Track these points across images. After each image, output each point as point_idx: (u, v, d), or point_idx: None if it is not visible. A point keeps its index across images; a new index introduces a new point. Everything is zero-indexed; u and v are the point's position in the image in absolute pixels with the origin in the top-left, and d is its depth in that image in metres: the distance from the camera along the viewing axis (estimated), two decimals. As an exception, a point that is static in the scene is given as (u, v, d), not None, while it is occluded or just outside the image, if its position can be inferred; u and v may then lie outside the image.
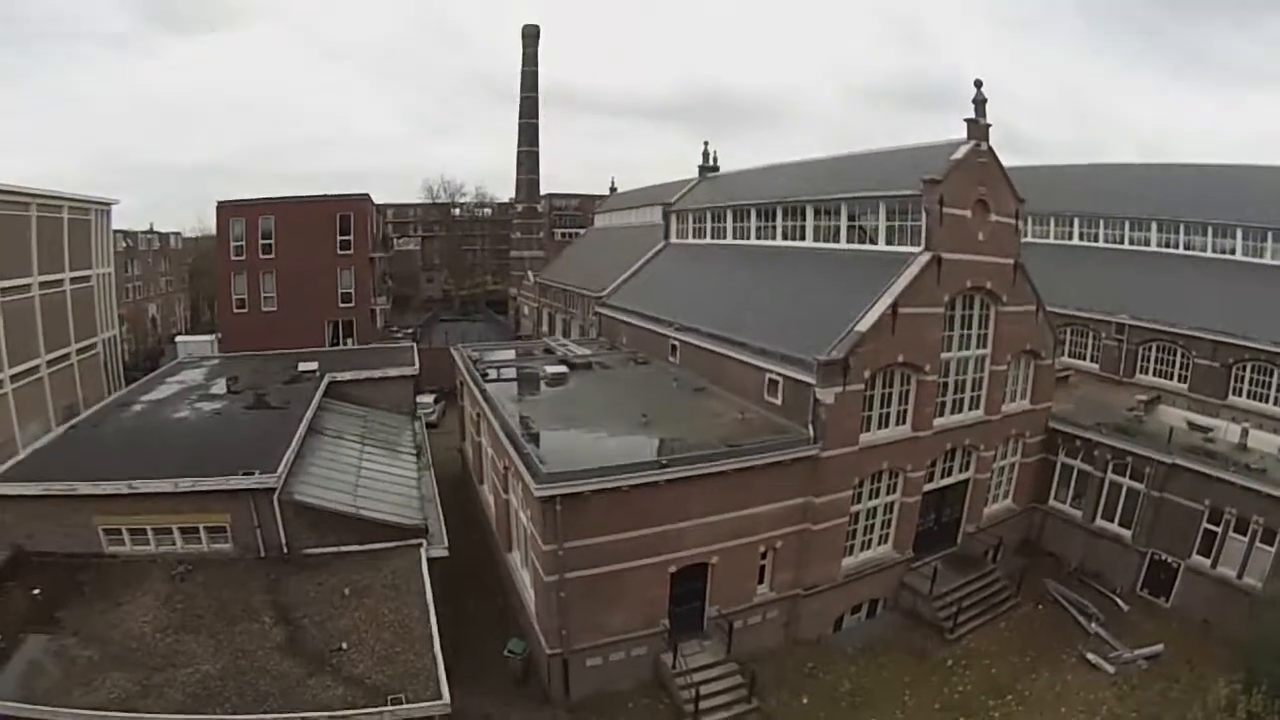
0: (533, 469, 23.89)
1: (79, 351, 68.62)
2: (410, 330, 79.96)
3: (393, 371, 43.73)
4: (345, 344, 59.55)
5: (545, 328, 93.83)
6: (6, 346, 54.99)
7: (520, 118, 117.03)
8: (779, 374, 28.58)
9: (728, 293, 38.49)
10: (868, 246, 31.45)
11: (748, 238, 40.99)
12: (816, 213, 34.89)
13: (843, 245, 33.10)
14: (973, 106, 28.88)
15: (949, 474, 32.07)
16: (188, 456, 28.10)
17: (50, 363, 62.66)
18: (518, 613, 29.71)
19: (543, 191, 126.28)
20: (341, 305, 58.91)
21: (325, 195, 58.34)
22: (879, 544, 30.72)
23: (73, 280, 67.08)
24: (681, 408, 31.97)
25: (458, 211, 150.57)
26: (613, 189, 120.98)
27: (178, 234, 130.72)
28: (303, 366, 42.24)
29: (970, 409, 31.67)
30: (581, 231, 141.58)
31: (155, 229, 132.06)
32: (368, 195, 58.10)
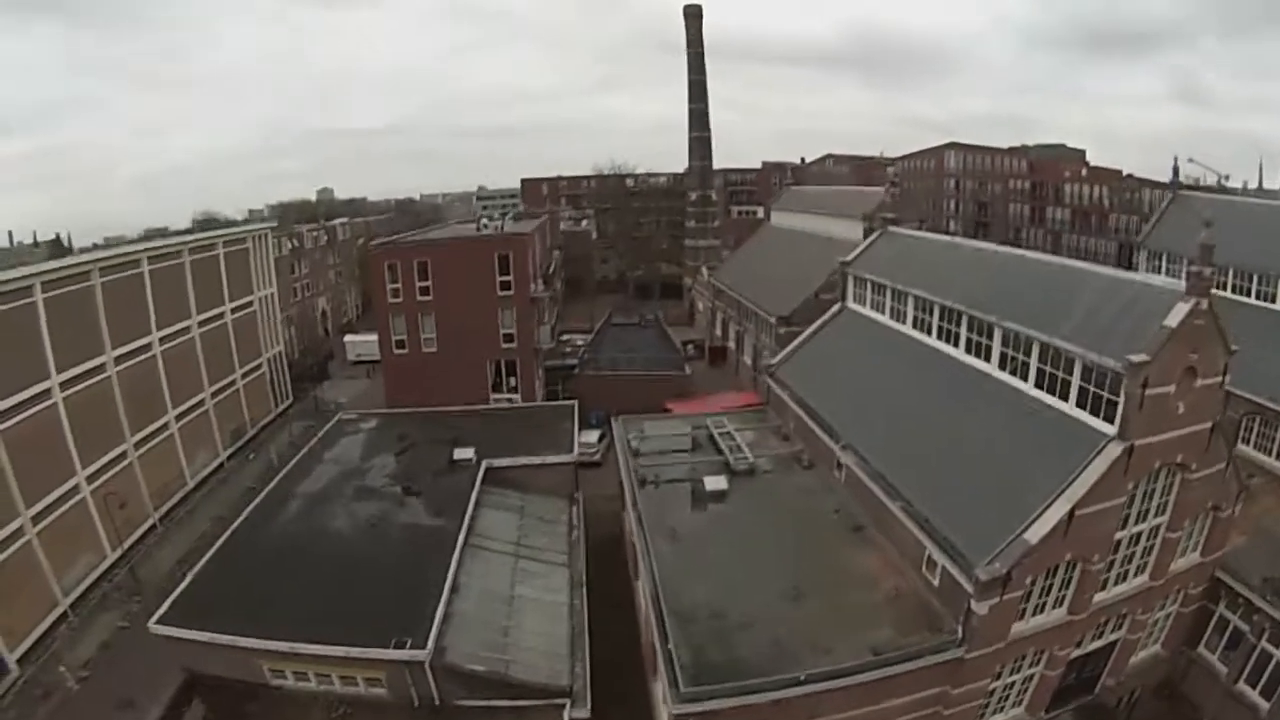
0: (671, 676, 26.46)
1: (244, 375, 77.90)
2: (580, 347, 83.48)
3: (551, 459, 47.33)
4: (509, 383, 63.52)
5: (719, 331, 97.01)
6: (169, 389, 63.40)
7: (690, 102, 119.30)
8: (937, 558, 29.14)
9: (899, 410, 38.97)
10: (1055, 401, 30.87)
11: (929, 333, 40.67)
12: (1005, 339, 34.28)
13: (1029, 388, 32.54)
14: (1199, 251, 27.08)
15: (1099, 638, 32.06)
16: (346, 604, 32.54)
17: (215, 393, 71.52)
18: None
19: (716, 164, 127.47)
20: (504, 345, 62.83)
21: (482, 235, 61.83)
22: (1012, 707, 31.49)
23: (234, 310, 76.28)
24: (835, 562, 33.46)
25: (631, 182, 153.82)
26: (794, 181, 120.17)
27: (345, 222, 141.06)
28: (458, 454, 46.02)
29: (1135, 577, 31.26)
30: (758, 211, 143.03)
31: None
32: (526, 234, 61.18)
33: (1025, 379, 32.92)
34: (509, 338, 62.78)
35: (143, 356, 60.69)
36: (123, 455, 57.50)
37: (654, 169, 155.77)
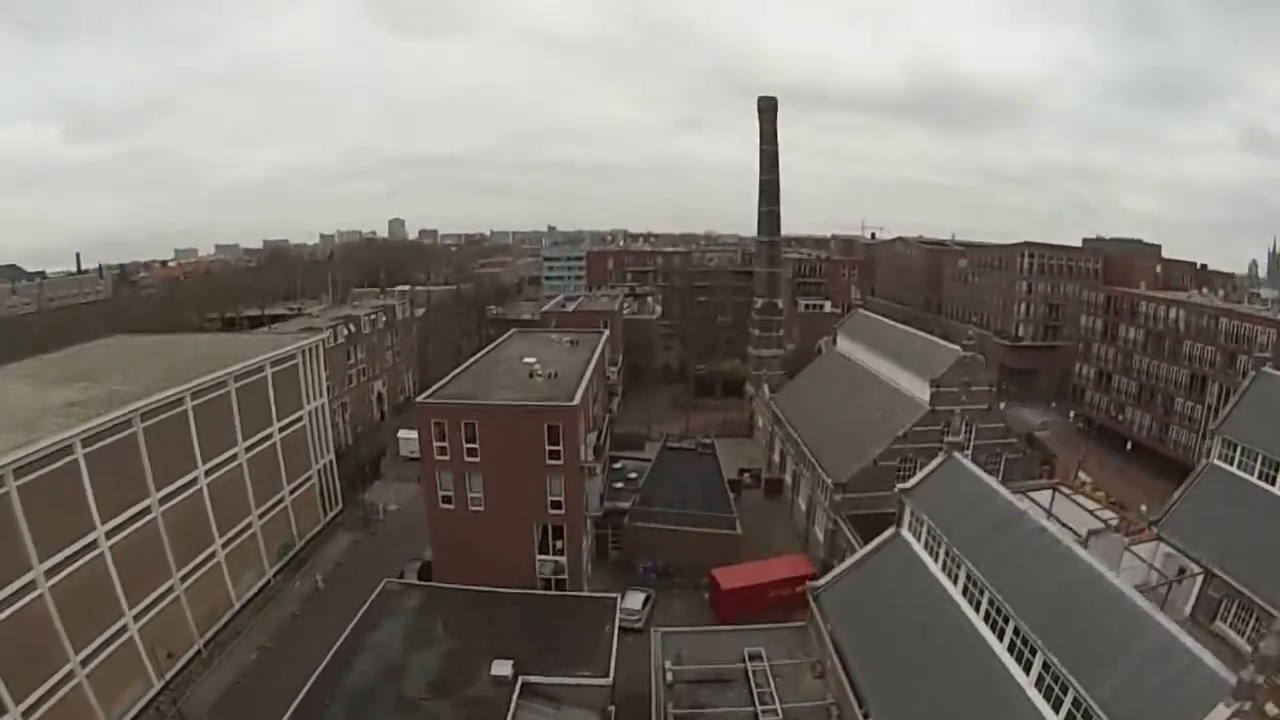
0: None
1: (292, 491, 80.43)
2: (633, 480, 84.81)
3: (586, 680, 48.36)
4: (555, 546, 65.45)
5: (776, 459, 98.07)
6: (216, 518, 66.45)
7: (761, 205, 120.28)
8: None
9: (932, 694, 39.78)
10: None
11: (976, 609, 40.98)
12: (1046, 664, 34.53)
13: (1055, 724, 33.15)
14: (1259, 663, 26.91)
15: None
16: None
17: (262, 514, 74.38)
18: None
19: (784, 226, 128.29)
20: (551, 511, 64.27)
21: (530, 404, 63.43)
22: None
23: (282, 429, 79.13)
24: None
25: (697, 258, 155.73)
26: (864, 296, 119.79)
27: (407, 291, 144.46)
28: (496, 669, 47.06)
29: None
30: (825, 306, 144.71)
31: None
32: (576, 406, 62.13)
33: (1057, 712, 33.24)
34: (557, 504, 64.02)
35: (188, 493, 63.95)
36: (169, 590, 60.64)
37: (724, 221, 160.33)
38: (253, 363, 74.40)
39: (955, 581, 43.89)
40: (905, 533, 51.26)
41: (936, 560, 46.46)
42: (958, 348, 76.23)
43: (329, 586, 75.15)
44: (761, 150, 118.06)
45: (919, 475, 52.19)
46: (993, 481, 47.71)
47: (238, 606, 70.06)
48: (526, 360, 77.53)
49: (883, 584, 49.84)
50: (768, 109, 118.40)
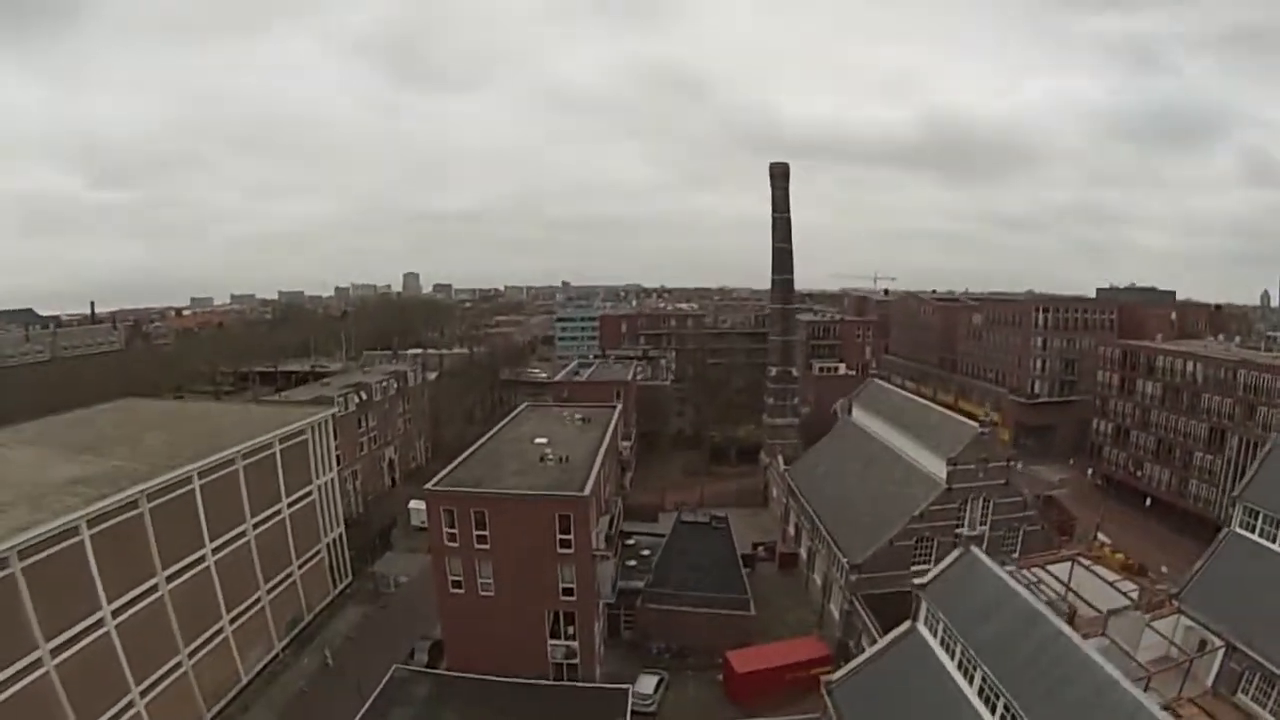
0: None
1: (301, 565, 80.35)
2: (646, 557, 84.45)
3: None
4: (567, 632, 65.15)
5: (791, 531, 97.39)
6: (224, 595, 66.55)
7: (774, 272, 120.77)
8: None
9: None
10: None
11: (993, 712, 40.31)
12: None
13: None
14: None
15: None
16: None
17: (270, 589, 74.03)
18: None
19: (798, 280, 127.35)
20: (563, 598, 64.28)
21: (540, 494, 63.56)
22: None
23: (291, 504, 79.01)
24: None
25: (724, 321, 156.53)
26: (878, 350, 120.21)
27: (419, 354, 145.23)
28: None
29: None
30: (839, 368, 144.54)
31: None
32: (587, 497, 61.97)
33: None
34: (569, 591, 63.63)
35: (195, 570, 64.06)
36: (177, 665, 60.79)
37: (738, 275, 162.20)
38: (261, 440, 74.54)
39: (971, 682, 43.26)
40: (921, 627, 50.61)
41: (953, 658, 45.85)
42: (974, 424, 76.03)
43: (338, 662, 74.60)
44: (774, 218, 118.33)
45: (935, 570, 51.67)
46: (1009, 578, 47.22)
47: (245, 681, 69.87)
48: (538, 441, 77.68)
49: (898, 680, 49.11)
50: (780, 175, 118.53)
